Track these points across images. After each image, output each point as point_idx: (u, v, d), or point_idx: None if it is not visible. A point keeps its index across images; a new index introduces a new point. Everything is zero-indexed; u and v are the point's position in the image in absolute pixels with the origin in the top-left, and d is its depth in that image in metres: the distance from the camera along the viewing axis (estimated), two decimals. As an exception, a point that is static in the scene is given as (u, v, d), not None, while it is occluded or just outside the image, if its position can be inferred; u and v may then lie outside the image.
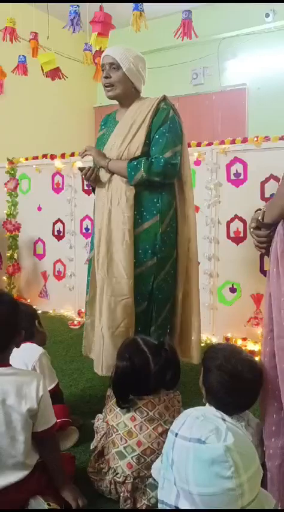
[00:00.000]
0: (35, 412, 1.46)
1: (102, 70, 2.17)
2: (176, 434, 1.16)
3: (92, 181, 2.23)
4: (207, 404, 1.54)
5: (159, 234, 2.11)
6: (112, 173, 2.15)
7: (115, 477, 1.59)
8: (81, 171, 2.22)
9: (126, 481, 1.56)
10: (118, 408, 1.63)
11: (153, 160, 2.05)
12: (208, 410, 1.24)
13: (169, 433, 1.23)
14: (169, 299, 2.22)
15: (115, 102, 2.27)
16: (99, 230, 2.16)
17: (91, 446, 1.81)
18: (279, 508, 1.27)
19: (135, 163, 2.06)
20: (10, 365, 1.51)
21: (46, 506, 1.44)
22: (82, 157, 2.29)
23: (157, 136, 2.09)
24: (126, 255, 2.06)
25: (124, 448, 1.58)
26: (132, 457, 1.56)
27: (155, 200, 2.12)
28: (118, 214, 2.09)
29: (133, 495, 1.56)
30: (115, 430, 1.62)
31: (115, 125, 2.25)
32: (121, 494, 1.57)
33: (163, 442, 1.38)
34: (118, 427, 1.61)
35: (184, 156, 2.20)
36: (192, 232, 2.26)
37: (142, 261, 2.11)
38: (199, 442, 1.09)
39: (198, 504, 1.08)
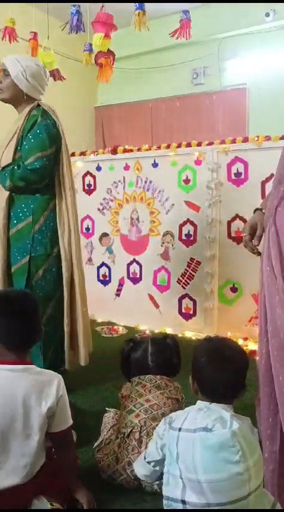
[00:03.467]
0: (53, 412, 1.46)
1: None
2: (179, 429, 1.18)
3: None
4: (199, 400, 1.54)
5: (31, 233, 2.23)
6: None
7: (122, 429, 1.71)
8: None
9: (133, 431, 1.67)
10: (133, 384, 1.84)
11: (15, 167, 2.19)
12: (210, 404, 1.26)
13: (170, 430, 1.24)
14: (52, 297, 2.29)
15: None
16: None
17: (95, 445, 1.81)
18: (278, 507, 1.28)
19: (4, 172, 2.21)
20: (32, 363, 1.51)
21: (49, 506, 1.44)
22: None
23: (24, 143, 2.22)
24: None
25: (134, 405, 1.75)
26: (140, 410, 1.72)
27: (29, 202, 2.25)
28: None
29: (139, 448, 1.62)
30: (127, 397, 1.81)
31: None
32: (129, 446, 1.65)
33: (169, 404, 1.73)
34: (132, 393, 1.81)
35: (61, 159, 2.31)
36: (72, 233, 2.33)
37: (16, 259, 2.24)
38: (205, 431, 1.12)
39: (207, 492, 1.09)
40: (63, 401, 1.49)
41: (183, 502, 1.14)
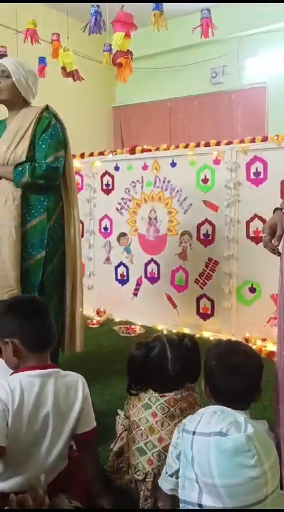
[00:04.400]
0: (80, 414, 1.45)
1: None
2: (193, 433, 1.17)
3: None
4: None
5: (46, 230, 2.31)
6: None
7: (135, 474, 1.59)
8: None
9: (147, 479, 1.56)
10: (140, 404, 1.63)
11: (36, 165, 2.25)
12: (224, 407, 1.25)
13: (184, 433, 1.23)
14: (57, 290, 2.44)
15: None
16: None
17: (111, 446, 1.81)
18: None
19: (20, 168, 2.25)
20: (55, 366, 1.50)
21: (68, 505, 1.44)
22: None
23: (40, 143, 2.29)
24: (12, 250, 2.25)
25: (145, 444, 1.59)
26: (152, 453, 1.57)
27: (42, 199, 2.33)
28: (5, 213, 2.27)
29: (154, 494, 1.55)
30: (136, 425, 1.63)
31: (3, 131, 2.40)
32: (141, 493, 1.57)
33: None
34: (140, 422, 1.61)
35: (68, 161, 2.42)
36: (76, 230, 2.47)
37: (31, 254, 2.31)
38: (220, 435, 1.11)
39: (223, 497, 1.09)
40: (87, 402, 1.48)
41: (200, 505, 1.13)
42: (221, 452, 1.09)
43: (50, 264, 2.35)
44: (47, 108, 2.37)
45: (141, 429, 1.60)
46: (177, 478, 1.36)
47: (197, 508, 1.15)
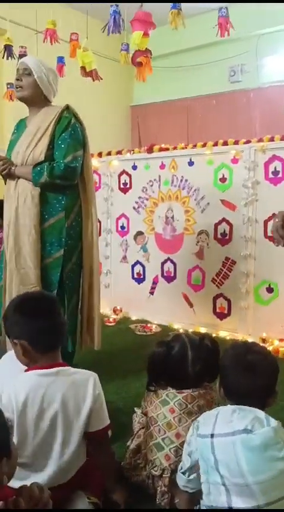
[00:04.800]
0: (91, 412, 1.44)
1: (17, 75, 2.39)
2: (212, 436, 1.15)
3: (5, 175, 2.40)
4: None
5: (64, 228, 2.33)
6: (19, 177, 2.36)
7: (152, 470, 1.59)
8: None
9: (164, 475, 1.57)
10: (158, 400, 1.64)
11: (54, 165, 2.27)
12: (240, 406, 1.24)
13: (197, 438, 1.21)
14: (78, 287, 2.48)
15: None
16: (8, 226, 2.38)
17: (128, 443, 1.82)
18: None
19: (39, 168, 2.27)
20: (65, 364, 1.50)
21: (87, 501, 1.45)
22: None
23: (59, 142, 2.31)
24: (32, 248, 2.29)
25: (163, 439, 1.59)
26: (170, 449, 1.57)
27: (60, 198, 2.35)
28: (25, 212, 2.31)
29: (171, 490, 1.55)
30: (154, 421, 1.63)
31: (24, 130, 2.43)
32: (158, 489, 1.58)
33: None
34: (158, 418, 1.62)
35: (86, 160, 2.44)
36: (94, 228, 2.49)
37: (49, 253, 2.33)
38: (245, 432, 1.10)
39: (256, 494, 1.08)
40: (100, 401, 1.46)
41: (230, 508, 1.12)
42: (250, 450, 1.09)
43: (68, 262, 2.38)
44: (67, 107, 2.38)
45: (158, 425, 1.61)
46: (189, 475, 1.36)
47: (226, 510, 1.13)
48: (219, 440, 1.14)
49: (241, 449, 1.09)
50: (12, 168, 2.34)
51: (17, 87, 2.39)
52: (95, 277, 2.52)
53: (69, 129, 2.32)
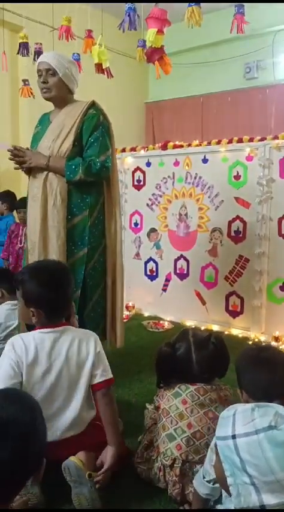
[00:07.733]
0: (94, 365, 1.61)
1: (39, 76, 2.34)
2: (233, 436, 1.14)
3: (26, 169, 2.40)
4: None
5: (87, 227, 2.33)
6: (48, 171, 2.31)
7: (163, 459, 1.61)
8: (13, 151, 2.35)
9: (175, 465, 1.59)
10: (171, 393, 1.69)
11: (90, 163, 2.26)
12: (258, 402, 1.23)
13: (218, 441, 1.18)
14: (99, 285, 2.44)
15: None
16: (34, 224, 2.35)
17: (139, 438, 1.83)
18: None
19: (73, 166, 2.25)
20: (69, 324, 1.70)
21: (86, 478, 1.49)
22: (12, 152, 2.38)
23: (92, 140, 2.29)
24: (61, 250, 2.29)
25: (175, 430, 1.62)
26: (181, 439, 1.60)
27: (84, 196, 2.33)
28: (54, 214, 2.29)
29: (182, 481, 1.57)
30: (166, 413, 1.67)
31: (48, 125, 2.40)
32: (169, 479, 1.59)
33: (214, 428, 1.45)
34: (171, 409, 1.65)
35: (114, 159, 2.42)
36: (118, 226, 2.48)
37: (73, 252, 2.33)
38: (270, 429, 1.09)
39: None
40: (101, 356, 1.64)
41: (262, 507, 1.11)
42: (278, 445, 1.08)
43: (91, 260, 2.37)
44: (93, 103, 2.35)
45: (170, 416, 1.65)
46: (214, 483, 1.35)
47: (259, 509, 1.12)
48: (242, 440, 1.12)
49: (268, 446, 1.08)
50: (45, 160, 2.28)
51: (43, 89, 2.35)
52: (118, 274, 2.50)
53: (100, 127, 2.30)
